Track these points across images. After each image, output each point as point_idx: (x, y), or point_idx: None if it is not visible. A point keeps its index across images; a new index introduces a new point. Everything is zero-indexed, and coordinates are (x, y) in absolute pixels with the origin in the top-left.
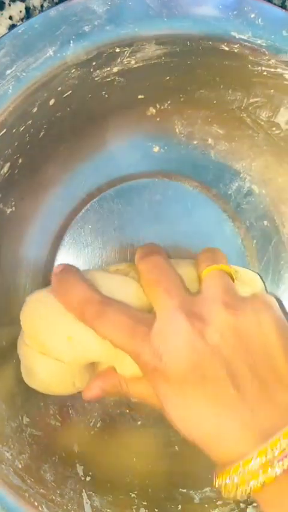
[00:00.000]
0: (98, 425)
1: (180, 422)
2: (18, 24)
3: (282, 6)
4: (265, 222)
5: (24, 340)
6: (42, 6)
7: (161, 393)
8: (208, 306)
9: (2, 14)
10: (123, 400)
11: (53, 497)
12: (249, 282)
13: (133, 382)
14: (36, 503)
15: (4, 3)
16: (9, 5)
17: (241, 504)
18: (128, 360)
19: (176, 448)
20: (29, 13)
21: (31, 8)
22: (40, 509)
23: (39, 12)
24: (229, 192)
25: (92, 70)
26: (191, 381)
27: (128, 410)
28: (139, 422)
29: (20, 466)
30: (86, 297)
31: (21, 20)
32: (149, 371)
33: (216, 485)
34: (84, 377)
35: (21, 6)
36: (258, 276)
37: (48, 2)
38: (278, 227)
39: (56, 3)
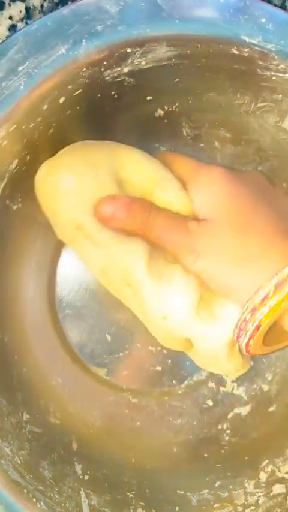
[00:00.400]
0: (97, 424)
1: (215, 266)
2: (18, 24)
3: (282, 6)
4: None
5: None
6: (42, 6)
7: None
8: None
9: (2, 14)
10: (123, 400)
11: (51, 495)
12: None
13: (163, 214)
14: (34, 500)
15: (4, 3)
16: (9, 5)
17: (238, 507)
18: (171, 187)
19: (175, 449)
20: (29, 13)
21: (31, 8)
22: (38, 505)
23: (39, 12)
24: None
25: (102, 69)
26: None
27: (127, 411)
28: (138, 423)
29: (19, 462)
30: None
31: (21, 20)
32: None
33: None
34: None
35: (21, 6)
36: None
37: (48, 2)
38: None
39: (56, 4)
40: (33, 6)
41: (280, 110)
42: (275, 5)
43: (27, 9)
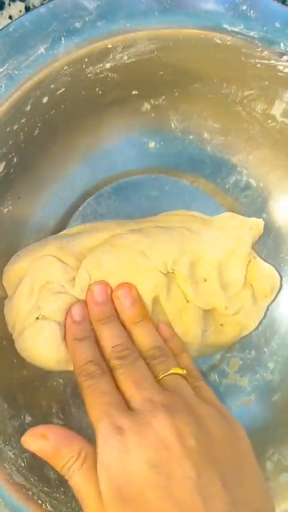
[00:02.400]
0: None
1: None
2: None
3: (283, 2)
4: (263, 215)
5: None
6: (41, 5)
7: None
8: (183, 410)
9: (1, 14)
10: None
11: (57, 495)
12: (267, 275)
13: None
14: (40, 502)
15: (4, 2)
16: (9, 5)
17: None
18: None
19: None
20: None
21: (31, 7)
22: (44, 507)
23: None
24: (227, 186)
25: (84, 67)
26: (154, 480)
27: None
28: None
29: (23, 465)
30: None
31: None
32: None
33: None
34: None
35: (20, 5)
36: (274, 269)
37: (49, 1)
38: (276, 220)
39: None
40: (33, 6)
41: (267, 97)
42: None
43: (27, 8)
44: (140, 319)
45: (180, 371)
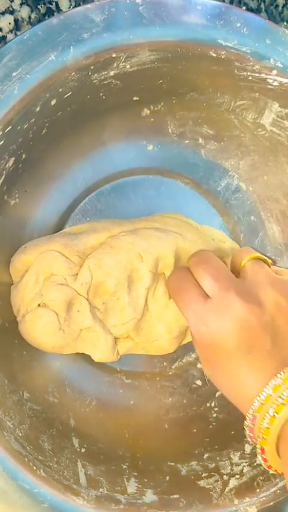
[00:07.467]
0: (93, 403)
1: (223, 388)
2: (8, 35)
3: (258, 9)
4: (252, 217)
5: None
6: (30, 17)
7: (207, 360)
8: (258, 288)
9: None
10: (117, 381)
11: (50, 464)
12: None
13: None
14: (34, 468)
15: None
16: None
17: (224, 476)
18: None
19: (166, 426)
20: (17, 24)
21: (19, 19)
22: (38, 473)
23: (27, 24)
24: (218, 189)
25: (90, 73)
26: (238, 354)
27: (121, 391)
28: (132, 402)
29: (20, 434)
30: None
31: (11, 31)
32: (202, 341)
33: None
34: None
35: (10, 18)
36: None
37: (36, 14)
38: (263, 222)
39: (43, 14)
40: (21, 18)
41: (258, 107)
42: (251, 8)
43: (16, 21)
44: None
45: (258, 255)
